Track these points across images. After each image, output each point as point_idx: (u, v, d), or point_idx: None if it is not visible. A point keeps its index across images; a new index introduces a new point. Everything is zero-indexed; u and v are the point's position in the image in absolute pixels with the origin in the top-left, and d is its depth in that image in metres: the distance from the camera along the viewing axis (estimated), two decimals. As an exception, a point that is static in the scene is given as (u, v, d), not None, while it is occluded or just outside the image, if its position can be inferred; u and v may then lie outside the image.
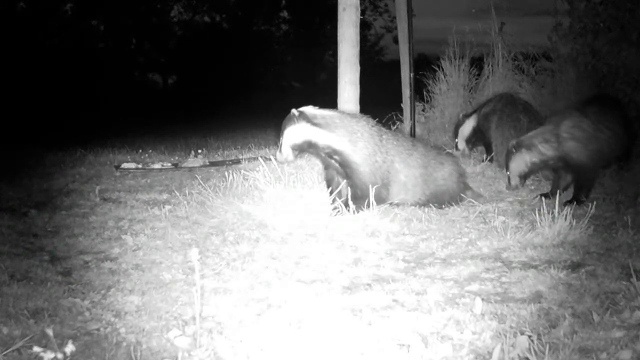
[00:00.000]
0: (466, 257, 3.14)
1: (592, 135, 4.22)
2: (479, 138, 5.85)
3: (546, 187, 4.71)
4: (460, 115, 5.98)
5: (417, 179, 4.12)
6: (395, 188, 4.08)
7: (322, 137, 3.86)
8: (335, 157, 3.92)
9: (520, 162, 4.31)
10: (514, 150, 4.33)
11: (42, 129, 13.44)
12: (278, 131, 4.00)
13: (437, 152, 4.43)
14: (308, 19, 28.55)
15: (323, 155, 3.95)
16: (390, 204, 4.07)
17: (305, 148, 3.91)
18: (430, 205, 4.13)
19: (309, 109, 3.94)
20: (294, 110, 3.89)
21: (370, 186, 3.90)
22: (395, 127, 6.64)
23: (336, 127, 3.90)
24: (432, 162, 4.23)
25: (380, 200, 3.97)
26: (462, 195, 4.25)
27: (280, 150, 3.90)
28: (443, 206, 4.16)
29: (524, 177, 4.39)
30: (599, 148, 4.24)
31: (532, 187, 4.81)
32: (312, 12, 27.97)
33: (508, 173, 4.40)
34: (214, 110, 20.00)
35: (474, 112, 5.83)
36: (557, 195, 4.14)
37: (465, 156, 5.78)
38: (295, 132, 3.84)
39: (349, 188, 4.05)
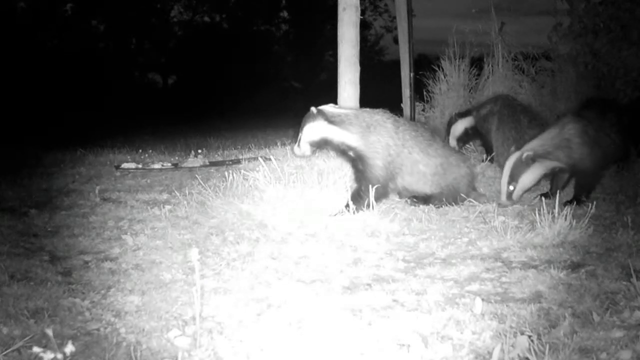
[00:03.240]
0: (466, 257, 3.14)
1: (596, 140, 4.18)
2: (470, 138, 5.95)
3: (545, 187, 4.70)
4: (454, 113, 6.02)
5: (438, 167, 4.15)
6: (414, 178, 4.12)
7: (336, 134, 3.98)
8: (350, 152, 4.03)
9: (537, 174, 4.05)
10: (531, 162, 4.00)
11: (42, 128, 13.44)
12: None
13: (451, 148, 4.51)
14: (308, 19, 28.54)
15: (340, 150, 4.08)
16: (413, 197, 4.24)
17: (322, 145, 4.07)
18: (430, 204, 4.14)
19: (327, 107, 4.08)
20: (313, 108, 4.02)
21: (380, 180, 3.96)
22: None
23: (350, 123, 4.00)
24: (454, 155, 4.33)
25: (385, 193, 4.04)
26: (462, 195, 4.24)
27: (299, 145, 4.06)
28: (442, 205, 4.16)
29: (529, 189, 4.15)
30: (602, 152, 4.20)
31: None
32: (312, 12, 27.97)
33: (511, 187, 4.03)
34: (214, 110, 20.02)
35: (468, 112, 5.86)
36: (558, 194, 4.11)
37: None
38: (313, 129, 4.00)
39: (350, 188, 4.07)
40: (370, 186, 3.92)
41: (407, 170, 4.09)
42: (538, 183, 4.24)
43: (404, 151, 4.05)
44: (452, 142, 5.92)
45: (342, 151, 4.07)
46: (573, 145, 4.10)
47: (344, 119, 4.02)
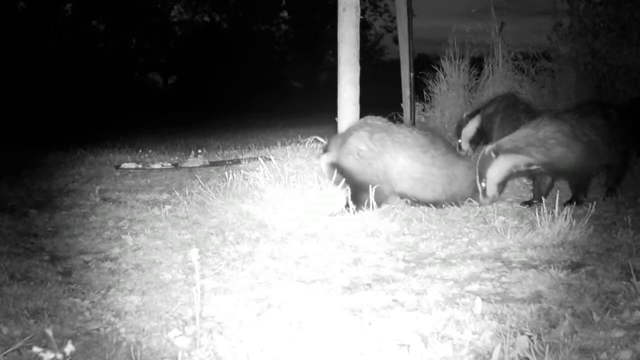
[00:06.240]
0: (466, 257, 3.13)
1: (574, 138, 4.11)
2: (482, 138, 5.83)
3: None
4: (464, 115, 5.93)
5: (438, 177, 4.09)
6: (406, 184, 4.08)
7: (326, 159, 4.22)
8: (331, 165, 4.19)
9: (503, 167, 4.00)
10: (493, 156, 3.96)
11: (42, 129, 13.44)
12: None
13: (459, 155, 4.54)
14: (308, 18, 28.56)
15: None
16: (412, 200, 4.22)
17: (329, 173, 4.24)
18: (430, 205, 4.12)
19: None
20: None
21: (367, 186, 3.97)
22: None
23: (333, 141, 4.24)
24: (460, 163, 4.24)
25: (378, 198, 4.01)
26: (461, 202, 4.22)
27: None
28: (443, 206, 4.15)
29: (502, 185, 4.09)
30: (583, 149, 4.13)
31: (531, 187, 4.80)
32: (312, 12, 27.98)
33: (483, 183, 4.00)
34: (214, 110, 20.02)
35: (477, 112, 5.80)
36: (542, 199, 3.97)
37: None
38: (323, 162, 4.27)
39: (350, 188, 4.08)
40: (357, 185, 4.00)
41: (397, 176, 4.06)
42: (510, 177, 4.15)
43: (384, 156, 4.04)
44: (465, 145, 5.84)
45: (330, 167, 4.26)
46: (549, 145, 4.03)
47: (332, 141, 4.28)
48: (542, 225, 3.39)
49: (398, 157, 4.05)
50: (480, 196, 4.06)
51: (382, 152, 4.04)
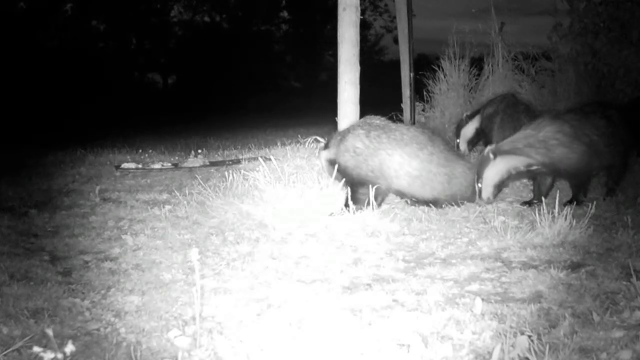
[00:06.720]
0: (466, 257, 3.14)
1: (575, 138, 4.11)
2: (480, 139, 5.83)
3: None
4: (464, 115, 5.93)
5: (437, 175, 4.08)
6: (404, 181, 4.07)
7: (325, 155, 4.28)
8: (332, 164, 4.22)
9: (501, 169, 3.98)
10: (491, 157, 3.93)
11: (41, 129, 13.45)
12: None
13: (459, 155, 4.51)
14: (308, 18, 28.57)
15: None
16: (412, 199, 4.20)
17: (328, 169, 4.28)
18: (430, 204, 4.12)
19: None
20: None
21: (364, 181, 4.01)
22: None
23: (333, 138, 4.28)
24: (460, 163, 4.22)
25: (377, 195, 4.02)
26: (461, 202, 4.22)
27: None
28: (443, 206, 4.15)
29: (498, 187, 4.06)
30: (585, 149, 4.13)
31: (532, 187, 4.80)
32: (312, 12, 27.99)
33: (479, 184, 3.99)
34: (213, 110, 20.03)
35: (477, 112, 5.80)
36: (542, 200, 3.84)
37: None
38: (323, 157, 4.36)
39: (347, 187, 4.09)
40: (354, 182, 4.03)
41: (393, 173, 4.05)
42: (508, 179, 4.11)
43: (380, 153, 4.04)
44: (463, 145, 5.83)
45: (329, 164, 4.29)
46: (550, 145, 4.02)
47: (331, 140, 4.32)
48: (542, 225, 3.39)
49: (394, 153, 4.04)
50: (477, 197, 4.05)
51: (378, 149, 4.04)
